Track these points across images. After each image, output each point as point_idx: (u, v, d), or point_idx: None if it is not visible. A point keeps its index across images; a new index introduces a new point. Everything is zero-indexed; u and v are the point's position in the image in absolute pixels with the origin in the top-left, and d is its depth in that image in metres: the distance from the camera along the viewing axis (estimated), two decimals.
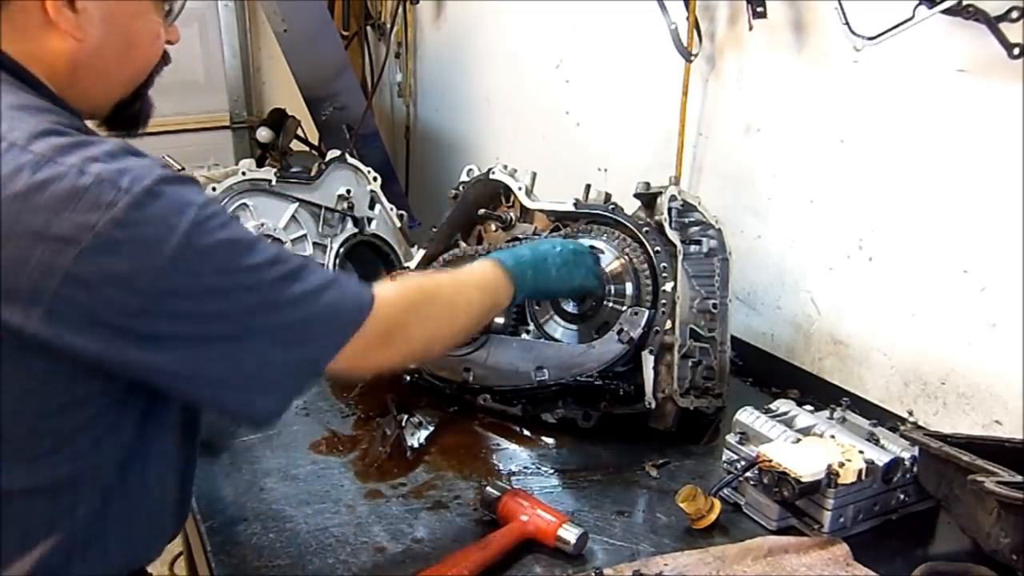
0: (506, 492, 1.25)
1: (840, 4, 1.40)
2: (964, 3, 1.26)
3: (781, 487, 1.18)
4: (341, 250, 1.88)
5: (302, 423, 1.55)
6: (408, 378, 1.70)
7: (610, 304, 1.55)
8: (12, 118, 0.89)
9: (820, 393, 1.60)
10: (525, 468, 1.43)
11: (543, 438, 1.52)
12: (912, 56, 1.42)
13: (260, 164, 1.84)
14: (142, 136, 1.12)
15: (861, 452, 1.22)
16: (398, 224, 1.96)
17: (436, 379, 1.64)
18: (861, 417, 1.37)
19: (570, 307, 1.60)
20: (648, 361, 1.46)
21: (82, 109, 1.03)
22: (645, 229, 1.53)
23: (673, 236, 1.49)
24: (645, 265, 1.52)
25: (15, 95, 0.92)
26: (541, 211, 1.69)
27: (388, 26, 3.13)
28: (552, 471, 1.42)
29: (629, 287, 1.53)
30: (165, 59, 1.11)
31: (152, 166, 0.88)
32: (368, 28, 3.21)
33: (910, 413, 1.48)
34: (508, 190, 1.73)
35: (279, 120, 2.64)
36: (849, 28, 1.40)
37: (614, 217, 1.58)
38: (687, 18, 1.75)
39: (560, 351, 1.55)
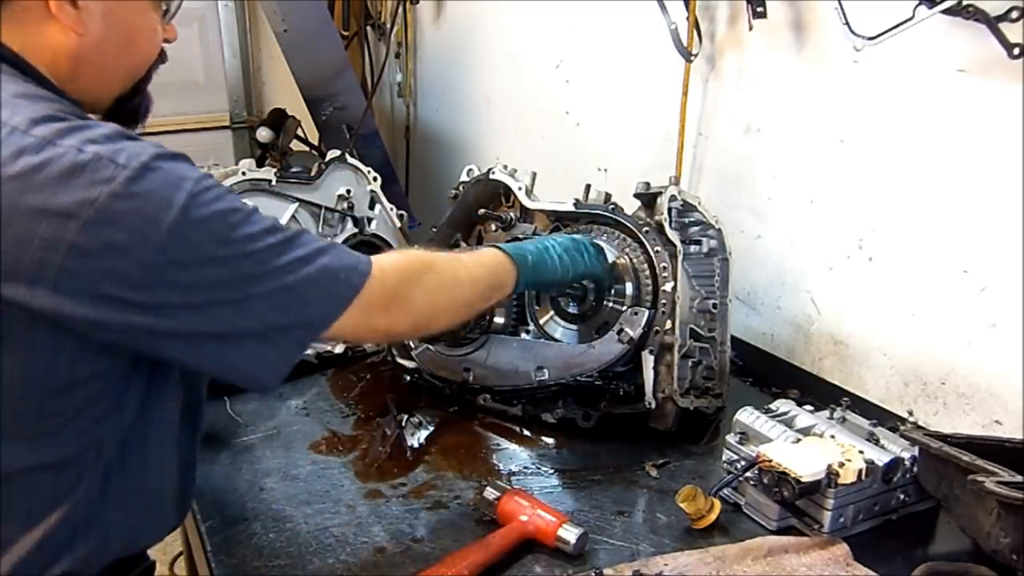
0: (506, 492, 1.25)
1: (840, 4, 1.40)
2: (964, 3, 1.26)
3: (781, 487, 1.18)
4: None
5: (302, 423, 1.55)
6: (408, 378, 1.70)
7: (610, 304, 1.55)
8: (13, 106, 0.92)
9: (820, 393, 1.60)
10: (525, 468, 1.43)
11: (543, 438, 1.52)
12: (912, 56, 1.42)
13: (260, 164, 1.83)
14: (142, 135, 1.13)
15: (861, 452, 1.22)
16: (398, 224, 1.96)
17: (436, 379, 1.64)
18: (861, 417, 1.37)
19: (571, 308, 1.61)
20: (648, 361, 1.46)
21: (83, 102, 1.05)
22: (645, 229, 1.53)
23: (673, 236, 1.49)
24: (645, 265, 1.52)
25: (16, 85, 0.95)
26: (541, 211, 1.69)
27: (388, 26, 3.13)
28: (552, 471, 1.42)
29: (629, 287, 1.53)
30: (162, 57, 1.14)
31: (147, 146, 0.92)
32: (368, 28, 3.21)
33: (910, 413, 1.48)
34: (508, 190, 1.73)
35: (279, 120, 2.64)
36: (849, 28, 1.40)
37: (614, 217, 1.58)
38: (687, 18, 1.75)
39: (560, 351, 1.55)
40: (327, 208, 1.85)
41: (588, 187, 1.64)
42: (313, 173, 1.83)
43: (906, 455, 1.26)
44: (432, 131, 3.13)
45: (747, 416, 1.34)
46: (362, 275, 1.03)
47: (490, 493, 1.25)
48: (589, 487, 1.37)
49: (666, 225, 1.50)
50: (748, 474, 1.25)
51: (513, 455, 1.48)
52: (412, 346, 1.69)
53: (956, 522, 1.20)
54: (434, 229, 1.84)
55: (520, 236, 1.70)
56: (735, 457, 1.33)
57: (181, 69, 3.08)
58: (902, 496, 1.28)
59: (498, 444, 1.51)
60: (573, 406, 1.53)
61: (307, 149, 2.85)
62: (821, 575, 1.15)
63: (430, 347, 1.66)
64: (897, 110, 1.48)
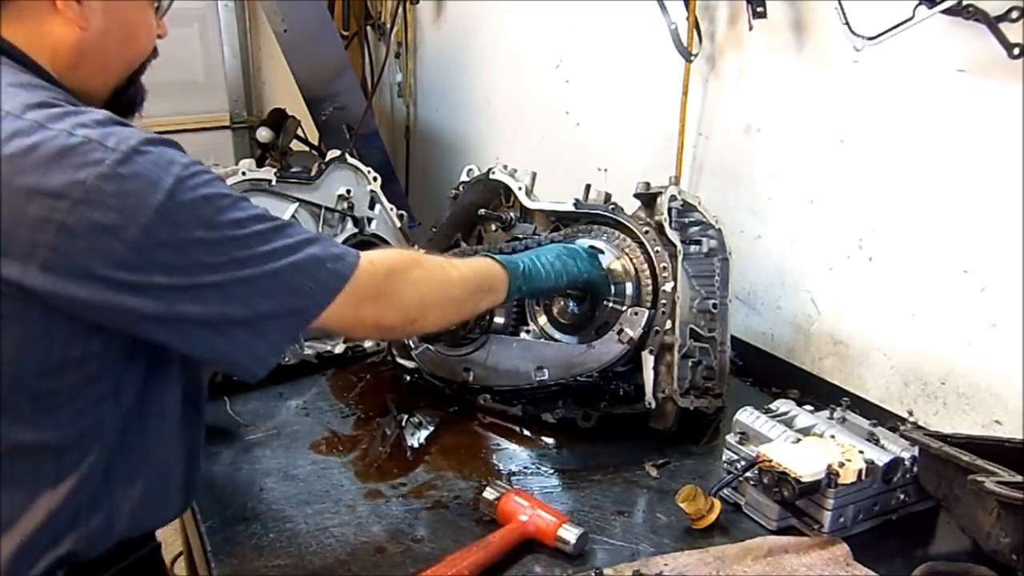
0: (506, 492, 1.25)
1: (840, 4, 1.40)
2: (964, 3, 1.26)
3: (781, 487, 1.18)
4: None
5: (302, 423, 1.55)
6: (408, 378, 1.70)
7: (610, 304, 1.55)
8: (9, 94, 0.95)
9: (820, 393, 1.60)
10: (525, 468, 1.43)
11: (543, 438, 1.52)
12: (912, 56, 1.42)
13: (260, 164, 1.83)
14: None
15: (861, 452, 1.22)
16: (398, 224, 1.96)
17: (436, 379, 1.64)
18: (861, 417, 1.37)
19: (566, 318, 1.60)
20: (648, 361, 1.46)
21: (81, 94, 1.07)
22: (645, 229, 1.53)
23: (673, 236, 1.49)
24: (645, 265, 1.52)
25: (14, 76, 0.99)
26: (541, 211, 1.69)
27: (388, 26, 3.13)
28: (552, 471, 1.42)
29: (629, 287, 1.53)
30: (154, 52, 1.18)
31: (137, 131, 0.94)
32: (368, 28, 3.21)
33: (910, 413, 1.48)
34: (508, 190, 1.73)
35: (279, 120, 2.64)
36: (849, 28, 1.40)
37: (614, 217, 1.58)
38: (687, 18, 1.75)
39: (560, 351, 1.55)
40: (327, 208, 1.85)
41: (588, 187, 1.64)
42: (313, 173, 1.83)
43: (906, 455, 1.26)
44: (432, 131, 3.13)
45: (747, 416, 1.34)
46: (350, 265, 1.05)
47: (490, 493, 1.25)
48: (589, 487, 1.37)
49: (666, 225, 1.50)
50: (748, 474, 1.25)
51: (513, 455, 1.48)
52: (412, 346, 1.69)
53: (956, 522, 1.20)
54: (434, 229, 1.84)
55: (520, 236, 1.70)
56: (735, 457, 1.33)
57: (181, 69, 3.08)
58: (902, 496, 1.28)
59: (498, 444, 1.51)
60: (573, 406, 1.53)
61: (307, 149, 2.85)
62: (821, 575, 1.15)
63: (430, 347, 1.66)
64: (897, 110, 1.48)
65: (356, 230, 1.90)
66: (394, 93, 3.27)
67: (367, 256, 1.09)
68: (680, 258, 1.48)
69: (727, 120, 1.83)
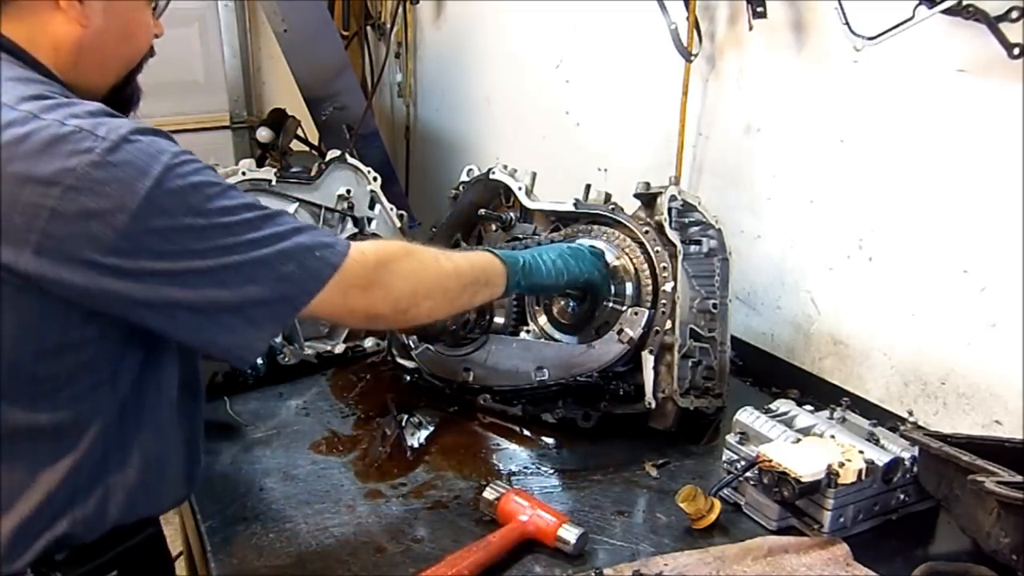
0: (506, 492, 1.25)
1: (840, 4, 1.40)
2: (964, 3, 1.26)
3: (781, 487, 1.18)
4: None
5: (302, 423, 1.55)
6: (408, 378, 1.70)
7: (610, 304, 1.55)
8: (7, 87, 0.98)
9: (820, 393, 1.60)
10: (525, 468, 1.43)
11: (543, 438, 1.52)
12: (912, 56, 1.42)
13: (260, 164, 1.83)
14: None
15: (861, 452, 1.22)
16: (398, 224, 1.96)
17: (436, 379, 1.65)
18: (861, 417, 1.37)
19: (566, 318, 1.60)
20: (648, 361, 1.46)
21: (80, 90, 1.08)
22: (645, 229, 1.52)
23: (673, 236, 1.49)
24: (645, 265, 1.52)
25: (13, 71, 1.02)
26: (541, 211, 1.69)
27: (388, 26, 3.13)
28: (552, 471, 1.42)
29: (629, 287, 1.53)
30: (151, 51, 1.21)
31: (127, 122, 0.97)
32: (368, 28, 3.21)
33: (910, 413, 1.48)
34: (508, 190, 1.73)
35: (279, 120, 2.64)
36: (849, 28, 1.40)
37: (614, 217, 1.58)
38: (687, 18, 1.75)
39: (560, 351, 1.55)
40: (327, 208, 1.85)
41: (588, 187, 1.64)
42: (313, 173, 1.83)
43: (906, 455, 1.26)
44: (432, 131, 3.13)
45: (747, 416, 1.34)
46: (339, 254, 1.06)
47: (490, 493, 1.25)
48: (589, 487, 1.37)
49: (666, 225, 1.50)
50: (748, 474, 1.25)
51: (513, 455, 1.48)
52: (412, 346, 1.69)
53: (956, 522, 1.20)
54: (434, 229, 1.84)
55: (520, 236, 1.70)
56: (735, 457, 1.33)
57: (181, 69, 3.08)
58: (902, 496, 1.28)
59: (498, 444, 1.51)
60: (573, 406, 1.53)
61: (307, 149, 2.85)
62: (821, 575, 1.15)
63: (430, 347, 1.66)
64: (897, 110, 1.48)
65: (356, 230, 1.90)
66: (394, 93, 3.27)
67: (358, 246, 1.10)
68: (680, 258, 1.48)
69: (727, 120, 1.83)
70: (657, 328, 1.46)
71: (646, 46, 1.97)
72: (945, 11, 1.28)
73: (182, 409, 1.15)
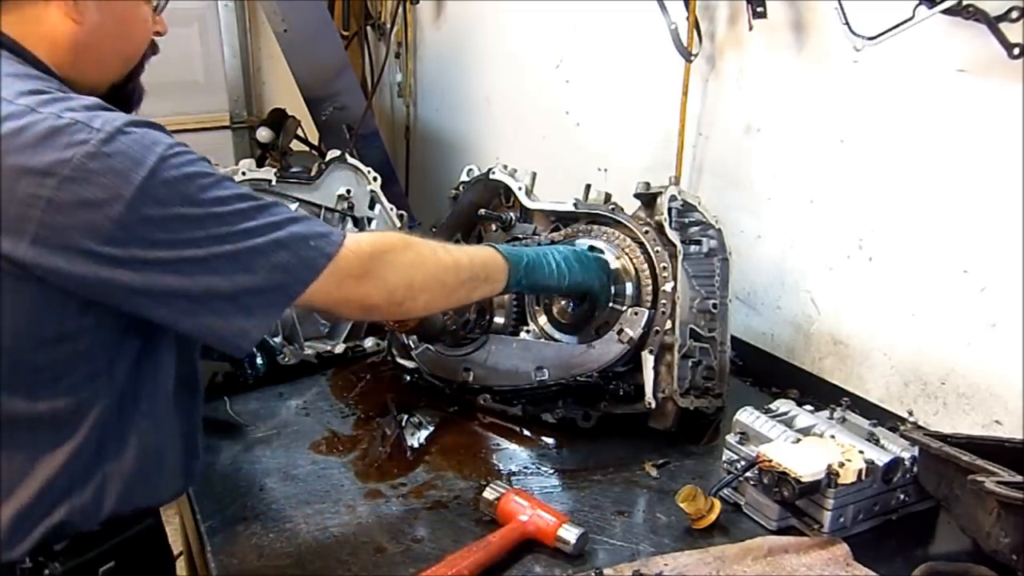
0: (506, 492, 1.25)
1: (840, 4, 1.40)
2: (964, 3, 1.26)
3: (781, 487, 1.18)
4: None
5: (302, 423, 1.55)
6: (408, 378, 1.70)
7: (610, 304, 1.55)
8: (6, 83, 1.00)
9: (820, 393, 1.60)
10: (525, 468, 1.43)
11: (543, 438, 1.52)
12: (912, 56, 1.42)
13: (260, 164, 1.83)
14: None
15: (861, 452, 1.22)
16: (398, 224, 1.96)
17: (436, 379, 1.65)
18: (861, 417, 1.37)
19: (566, 318, 1.60)
20: (648, 361, 1.46)
21: (80, 87, 1.09)
22: (645, 229, 1.52)
23: (673, 236, 1.49)
24: (645, 265, 1.52)
25: (12, 67, 1.03)
26: (541, 211, 1.69)
27: (388, 26, 3.13)
28: (552, 471, 1.42)
29: (629, 287, 1.53)
30: (154, 49, 1.22)
31: (122, 115, 0.98)
32: (368, 28, 3.21)
33: (910, 413, 1.48)
34: (508, 190, 1.73)
35: (279, 120, 2.64)
36: (849, 28, 1.40)
37: (614, 217, 1.58)
38: (687, 18, 1.75)
39: (560, 351, 1.55)
40: (327, 208, 1.85)
41: (588, 187, 1.64)
42: (313, 173, 1.83)
43: (906, 455, 1.26)
44: (432, 131, 3.13)
45: (747, 416, 1.34)
46: (334, 244, 1.07)
47: (490, 493, 1.25)
48: (589, 487, 1.37)
49: (666, 225, 1.50)
50: (748, 474, 1.25)
51: (513, 455, 1.48)
52: (412, 346, 1.69)
53: (956, 522, 1.20)
54: (434, 229, 1.84)
55: (520, 236, 1.70)
56: (735, 457, 1.33)
57: (181, 69, 3.08)
58: (902, 496, 1.28)
59: (498, 444, 1.51)
60: (573, 406, 1.53)
61: (307, 149, 2.84)
62: (821, 575, 1.15)
63: (430, 347, 1.66)
64: (897, 110, 1.48)
65: (356, 230, 1.90)
66: (394, 93, 3.27)
67: (354, 237, 1.11)
68: (680, 258, 1.48)
69: (727, 120, 1.83)
70: (657, 328, 1.46)
71: (646, 46, 1.97)
72: (945, 11, 1.28)
73: (179, 403, 1.16)
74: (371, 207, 1.92)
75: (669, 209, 1.52)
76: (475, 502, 1.29)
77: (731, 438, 1.35)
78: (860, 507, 1.23)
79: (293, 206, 1.80)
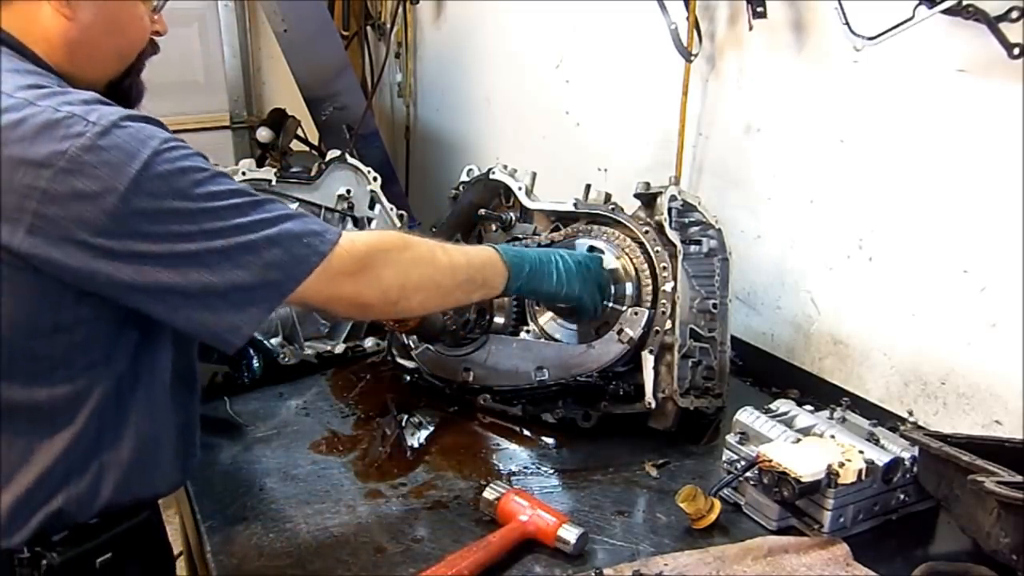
0: (506, 492, 1.25)
1: (840, 4, 1.40)
2: (964, 3, 1.26)
3: (781, 487, 1.18)
4: None
5: (302, 423, 1.55)
6: (408, 378, 1.70)
7: (610, 304, 1.55)
8: (6, 77, 1.01)
9: (820, 393, 1.60)
10: (525, 468, 1.43)
11: (543, 438, 1.52)
12: (912, 56, 1.42)
13: (260, 164, 1.83)
14: None
15: (861, 452, 1.22)
16: (398, 224, 1.96)
17: (436, 379, 1.65)
18: (861, 417, 1.37)
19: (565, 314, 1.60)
20: (648, 361, 1.46)
21: (78, 83, 1.10)
22: (645, 229, 1.52)
23: (673, 236, 1.49)
24: (645, 265, 1.52)
25: (11, 63, 1.05)
26: (541, 211, 1.69)
27: (388, 26, 3.13)
28: (552, 471, 1.42)
29: (629, 287, 1.53)
30: (154, 48, 1.22)
31: (119, 109, 1.00)
32: (368, 28, 3.21)
33: (910, 413, 1.48)
34: (508, 190, 1.73)
35: (279, 120, 2.64)
36: (849, 28, 1.40)
37: (614, 217, 1.58)
38: (687, 18, 1.75)
39: (560, 351, 1.55)
40: (327, 208, 1.85)
41: (588, 187, 1.64)
42: (313, 173, 1.83)
43: (906, 455, 1.26)
44: (432, 131, 3.13)
45: (747, 416, 1.34)
46: (328, 242, 1.08)
47: (490, 493, 1.25)
48: (589, 487, 1.37)
49: (666, 225, 1.50)
50: (748, 474, 1.25)
51: (513, 455, 1.48)
52: (412, 346, 1.69)
53: (956, 522, 1.20)
54: (434, 229, 1.84)
55: (520, 236, 1.70)
56: (735, 457, 1.33)
57: (181, 69, 3.07)
58: (902, 496, 1.28)
59: (498, 444, 1.51)
60: (573, 406, 1.53)
61: (307, 149, 2.84)
62: (821, 575, 1.15)
63: (430, 347, 1.66)
64: (897, 110, 1.48)
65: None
66: (394, 93, 3.27)
67: (349, 235, 1.11)
68: (680, 258, 1.48)
69: (727, 120, 1.83)
70: (657, 328, 1.46)
71: (646, 46, 1.97)
72: (945, 11, 1.28)
73: (177, 396, 1.17)
74: (371, 207, 1.92)
75: (669, 209, 1.52)
76: (475, 502, 1.29)
77: (731, 438, 1.35)
78: (860, 507, 1.23)
79: (293, 206, 1.80)
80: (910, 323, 1.52)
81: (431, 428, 1.54)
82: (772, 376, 1.73)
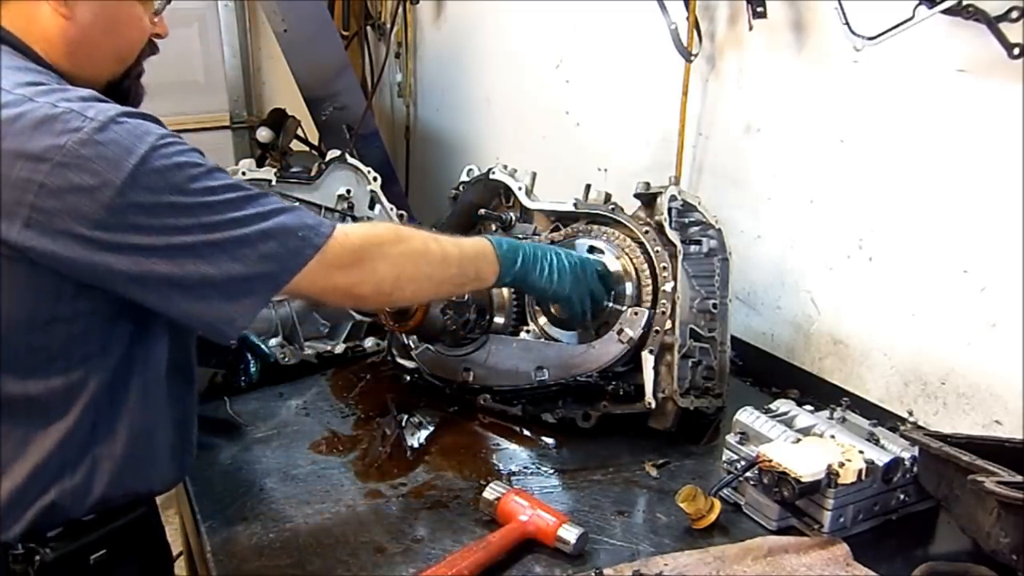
0: (506, 492, 1.25)
1: (840, 4, 1.40)
2: (964, 3, 1.26)
3: (781, 487, 1.18)
4: None
5: (302, 423, 1.55)
6: (408, 378, 1.70)
7: (610, 304, 1.55)
8: (6, 75, 1.03)
9: (820, 393, 1.60)
10: (525, 468, 1.43)
11: (543, 438, 1.52)
12: (912, 56, 1.42)
13: (260, 164, 1.83)
14: None
15: (861, 452, 1.22)
16: (398, 224, 1.96)
17: (436, 379, 1.65)
18: (861, 417, 1.37)
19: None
20: (648, 361, 1.46)
21: (77, 82, 1.11)
22: (645, 229, 1.52)
23: (673, 236, 1.49)
24: (645, 265, 1.52)
25: (11, 60, 1.07)
26: (541, 211, 1.69)
27: (388, 26, 3.13)
28: (552, 471, 1.42)
29: (629, 287, 1.53)
30: (153, 49, 1.23)
31: (116, 106, 1.01)
32: (368, 28, 3.21)
33: (910, 413, 1.48)
34: (508, 190, 1.73)
35: (279, 120, 2.64)
36: (849, 28, 1.40)
37: (614, 217, 1.58)
38: (687, 18, 1.75)
39: (560, 351, 1.55)
40: (327, 208, 1.85)
41: (588, 187, 1.64)
42: (313, 173, 1.83)
43: (906, 455, 1.26)
44: (432, 131, 3.13)
45: (747, 416, 1.34)
46: (323, 235, 1.09)
47: (490, 493, 1.25)
48: (589, 487, 1.37)
49: (666, 225, 1.50)
50: (748, 474, 1.25)
51: (513, 455, 1.48)
52: (412, 346, 1.69)
53: (956, 522, 1.20)
54: (434, 229, 1.84)
55: (520, 236, 1.70)
56: (735, 457, 1.33)
57: (181, 69, 3.08)
58: (902, 496, 1.28)
59: (498, 444, 1.51)
60: (573, 406, 1.53)
61: (307, 149, 2.85)
62: (821, 575, 1.15)
63: (430, 347, 1.66)
64: (897, 110, 1.48)
65: None
66: (394, 93, 3.27)
67: (343, 228, 1.13)
68: (680, 258, 1.48)
69: (727, 120, 1.83)
70: (657, 328, 1.46)
71: (646, 46, 1.97)
72: (945, 11, 1.28)
73: (173, 391, 1.18)
74: (371, 207, 1.92)
75: (669, 209, 1.52)
76: (475, 502, 1.29)
77: (731, 438, 1.35)
78: (860, 507, 1.23)
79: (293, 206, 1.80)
80: (910, 323, 1.52)
81: (431, 428, 1.54)
82: (772, 376, 1.73)
